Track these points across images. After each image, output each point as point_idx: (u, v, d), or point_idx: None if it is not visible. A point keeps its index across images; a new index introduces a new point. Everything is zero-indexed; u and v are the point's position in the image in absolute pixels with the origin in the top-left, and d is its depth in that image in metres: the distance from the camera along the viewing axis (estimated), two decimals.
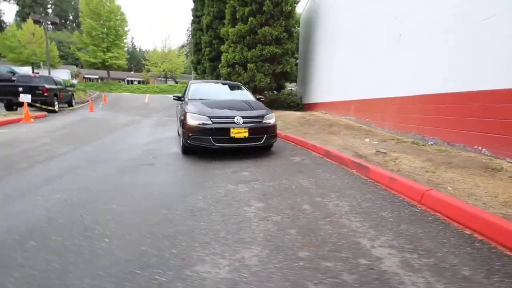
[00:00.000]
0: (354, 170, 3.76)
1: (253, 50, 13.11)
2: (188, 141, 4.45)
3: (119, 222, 2.21)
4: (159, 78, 45.69)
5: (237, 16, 13.72)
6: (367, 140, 6.04)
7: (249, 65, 13.01)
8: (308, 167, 4.01)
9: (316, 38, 12.74)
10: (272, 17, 12.85)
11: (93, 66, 31.64)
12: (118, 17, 28.96)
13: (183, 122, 4.59)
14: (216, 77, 17.21)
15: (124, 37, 31.69)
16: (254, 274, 1.60)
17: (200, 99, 5.38)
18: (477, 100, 4.10)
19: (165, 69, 41.26)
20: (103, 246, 1.86)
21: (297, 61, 16.47)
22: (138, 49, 71.14)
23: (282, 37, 13.14)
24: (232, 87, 6.29)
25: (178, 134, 6.95)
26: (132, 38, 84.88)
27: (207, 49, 16.67)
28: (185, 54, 46.85)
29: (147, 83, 44.68)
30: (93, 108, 13.82)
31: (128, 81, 48.37)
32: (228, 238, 1.98)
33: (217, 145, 4.32)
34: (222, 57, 14.34)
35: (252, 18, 12.80)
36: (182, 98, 5.49)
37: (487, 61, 3.99)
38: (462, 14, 4.46)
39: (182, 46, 51.61)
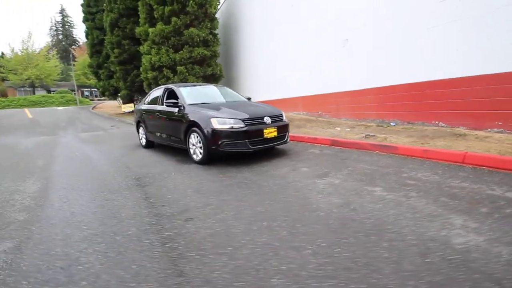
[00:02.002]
0: (377, 151, 4.48)
1: (181, 52, 12.45)
2: (220, 148, 4.09)
3: None
4: (22, 89, 35.62)
5: (156, 16, 12.66)
6: (338, 129, 7.02)
7: (179, 68, 12.29)
8: (341, 155, 4.44)
9: (244, 41, 13.25)
10: (197, 19, 12.53)
11: None
12: None
13: (204, 129, 4.15)
14: (131, 82, 15.20)
15: None
16: None
17: (202, 103, 4.93)
18: (428, 87, 5.59)
19: (31, 76, 32.79)
20: None
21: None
22: None
23: (209, 39, 13.03)
24: (219, 88, 5.97)
25: (145, 145, 6.08)
26: None
27: (116, 50, 14.44)
28: (58, 58, 38.50)
29: (4, 95, 34.06)
30: None
31: None
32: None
33: (252, 148, 4.16)
34: (143, 59, 12.89)
35: (175, 18, 12.12)
36: (179, 104, 4.86)
37: (428, 58, 5.51)
38: (404, 24, 5.93)
39: (49, 48, 42.12)
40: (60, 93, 33.74)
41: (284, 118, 4.81)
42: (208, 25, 12.91)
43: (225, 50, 14.54)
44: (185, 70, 12.45)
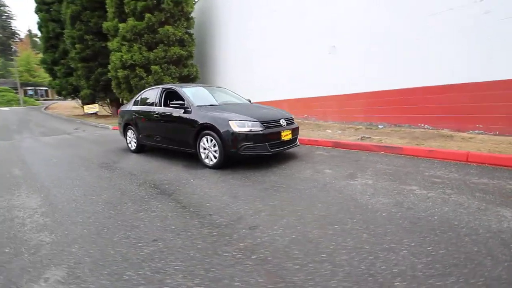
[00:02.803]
0: (382, 152, 4.75)
1: (156, 50, 11.84)
2: (240, 152, 3.95)
3: None
4: None
5: (127, 10, 11.88)
6: (329, 131, 7.29)
7: (154, 67, 11.67)
8: (351, 157, 4.60)
9: (220, 42, 13.04)
10: (173, 17, 12.05)
11: None
12: None
13: (222, 132, 3.98)
14: (95, 81, 13.87)
15: None
16: None
17: (210, 105, 4.72)
18: (413, 93, 6.11)
19: None
20: None
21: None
22: None
23: (185, 38, 12.60)
24: (220, 90, 5.76)
25: (134, 149, 5.67)
26: None
27: (78, 46, 13.06)
28: None
29: None
30: None
31: None
32: None
33: (271, 151, 4.10)
34: (112, 57, 11.93)
35: (149, 14, 11.51)
36: (185, 106, 4.58)
37: (419, 68, 6.05)
38: (389, 33, 6.42)
39: None
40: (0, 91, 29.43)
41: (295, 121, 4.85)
42: (184, 24, 12.48)
43: (199, 50, 14.15)
44: (160, 69, 11.86)
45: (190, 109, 4.55)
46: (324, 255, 1.82)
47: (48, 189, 3.48)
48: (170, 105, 4.70)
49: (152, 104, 5.39)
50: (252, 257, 1.84)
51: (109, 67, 12.11)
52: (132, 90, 12.25)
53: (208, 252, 1.91)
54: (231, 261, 1.80)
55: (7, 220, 2.56)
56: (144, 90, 5.96)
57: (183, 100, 4.73)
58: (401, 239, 1.96)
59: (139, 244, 2.05)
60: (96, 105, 13.53)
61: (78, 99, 16.28)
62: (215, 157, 4.20)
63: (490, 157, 3.69)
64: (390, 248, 1.85)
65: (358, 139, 5.89)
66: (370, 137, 5.89)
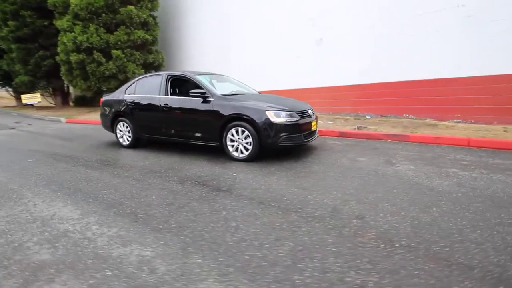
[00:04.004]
0: (390, 140, 5.15)
1: (116, 33, 10.58)
2: (278, 143, 3.82)
3: None
4: None
5: None
6: (320, 122, 7.56)
7: (115, 52, 10.45)
8: (368, 145, 4.86)
9: (189, 27, 12.20)
10: None
11: None
12: None
13: (258, 123, 3.79)
14: (35, 66, 11.62)
15: None
16: None
17: (232, 94, 4.45)
18: (398, 86, 6.74)
19: None
20: None
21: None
22: None
23: (149, 21, 11.55)
24: (228, 78, 5.41)
25: (129, 144, 5.12)
26: None
27: (11, 23, 10.67)
28: None
29: None
30: None
31: None
32: None
33: (305, 141, 4.08)
34: (62, 37, 10.19)
35: None
36: (206, 95, 4.20)
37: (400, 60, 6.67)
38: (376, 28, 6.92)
39: None
40: None
41: None
42: (149, 6, 11.39)
43: (164, 36, 13.01)
44: (123, 55, 10.63)
45: (210, 99, 4.20)
46: (456, 235, 1.92)
47: (65, 194, 2.86)
48: (190, 94, 4.26)
49: (155, 93, 4.81)
50: (396, 245, 1.83)
51: (59, 49, 10.35)
52: (88, 78, 10.75)
53: (349, 245, 1.84)
54: (383, 251, 1.76)
55: (56, 237, 2.02)
56: (140, 77, 5.27)
57: (199, 88, 4.34)
58: (499, 214, 2.19)
59: (267, 245, 1.85)
60: (38, 95, 11.36)
61: (8, 87, 13.48)
62: (246, 150, 3.99)
63: (488, 141, 4.34)
64: (501, 223, 2.06)
65: (355, 128, 6.26)
66: (366, 127, 6.32)
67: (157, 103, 4.70)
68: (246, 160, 4.00)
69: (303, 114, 4.15)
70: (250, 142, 3.93)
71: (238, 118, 3.98)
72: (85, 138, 6.47)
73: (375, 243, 1.86)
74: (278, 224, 2.16)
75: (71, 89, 14.58)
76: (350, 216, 2.25)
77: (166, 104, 4.58)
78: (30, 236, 2.02)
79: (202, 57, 11.64)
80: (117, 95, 5.41)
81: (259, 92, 5.42)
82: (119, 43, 10.47)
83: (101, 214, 2.38)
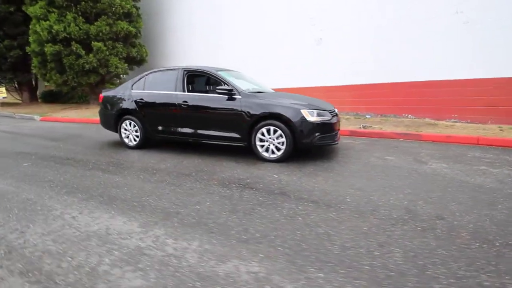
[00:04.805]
0: (402, 139, 5.32)
1: (97, 23, 9.77)
2: (314, 142, 3.74)
3: None
4: None
5: None
6: None
7: (96, 44, 9.65)
8: (385, 144, 4.96)
9: (176, 21, 11.62)
10: None
11: None
12: None
13: (294, 122, 3.65)
14: (0, 56, 10.24)
15: None
16: None
17: (257, 92, 4.25)
18: (400, 87, 7.02)
19: None
20: None
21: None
22: None
23: (133, 12, 10.85)
24: (243, 75, 5.15)
25: (136, 145, 4.71)
26: None
27: None
28: None
29: None
30: None
31: None
32: None
33: (336, 141, 4.04)
34: (35, 26, 9.15)
35: None
36: (233, 92, 3.96)
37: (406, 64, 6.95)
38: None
39: None
40: None
41: None
42: None
43: (147, 29, 12.24)
44: (105, 47, 9.83)
45: (237, 96, 3.99)
46: None
47: (140, 204, 2.50)
48: (217, 90, 3.99)
49: (170, 89, 4.45)
50: (496, 244, 1.83)
51: (30, 39, 9.26)
52: (65, 71, 9.80)
53: (454, 247, 1.80)
54: (491, 251, 1.75)
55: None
56: (149, 72, 4.84)
57: (222, 84, 4.10)
58: None
59: (376, 253, 1.75)
60: (3, 89, 9.98)
61: None
62: (277, 150, 3.85)
63: (496, 140, 4.66)
64: None
65: (360, 127, 6.40)
66: (371, 126, 6.48)
67: (173, 101, 4.35)
68: (278, 160, 3.85)
69: (332, 113, 4.10)
70: (283, 142, 3.79)
71: (269, 117, 3.82)
72: (77, 138, 5.83)
73: (476, 244, 1.85)
74: (366, 229, 2.06)
75: (45, 84, 13.15)
76: (430, 217, 2.23)
77: (185, 102, 4.25)
78: (98, 257, 1.70)
79: (190, 51, 11.13)
80: (121, 91, 4.92)
81: (274, 90, 5.29)
82: (100, 34, 9.64)
83: (164, 226, 2.10)
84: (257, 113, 3.85)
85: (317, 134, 3.75)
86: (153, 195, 2.72)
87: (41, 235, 1.97)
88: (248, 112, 3.89)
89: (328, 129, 3.86)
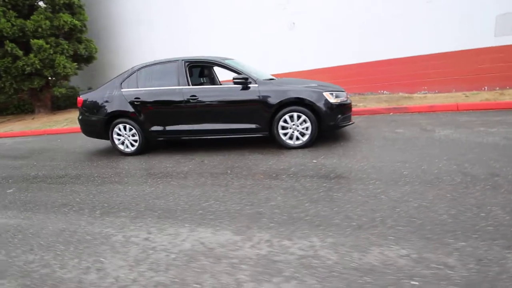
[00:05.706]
0: (392, 113, 5.71)
1: (34, 17, 8.35)
2: (338, 124, 3.78)
3: None
4: None
5: None
6: None
7: (36, 42, 8.26)
8: (382, 119, 5.24)
9: (126, 13, 10.48)
10: None
11: None
12: None
13: (318, 105, 3.61)
14: None
15: None
16: None
17: (270, 79, 4.08)
18: (371, 66, 7.48)
19: None
20: None
21: None
22: None
23: (75, 2, 9.51)
24: (245, 63, 4.86)
25: (134, 151, 4.25)
26: None
27: None
28: None
29: None
30: None
31: None
32: None
33: (352, 121, 4.13)
34: None
35: None
36: (249, 81, 3.73)
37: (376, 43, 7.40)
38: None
39: None
40: None
41: None
42: None
43: (93, 22, 10.78)
44: (48, 45, 8.46)
45: (253, 85, 3.78)
46: None
47: (226, 211, 2.16)
48: (234, 80, 3.71)
49: (172, 84, 4.01)
50: None
51: None
52: (0, 77, 8.16)
53: None
54: None
55: None
56: (140, 66, 4.27)
57: (237, 74, 3.85)
58: None
59: (483, 214, 1.84)
60: None
61: None
62: (302, 135, 3.79)
63: (471, 105, 5.31)
64: None
65: None
66: (356, 104, 6.82)
67: (179, 97, 3.93)
68: (304, 146, 3.80)
69: (348, 95, 4.19)
70: (308, 127, 3.74)
71: (292, 103, 3.72)
72: (47, 153, 4.94)
73: None
74: (449, 195, 2.15)
75: None
76: (487, 176, 2.43)
77: (194, 96, 3.88)
78: (230, 277, 1.45)
79: (147, 44, 10.15)
80: (107, 91, 4.27)
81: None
82: (39, 30, 8.19)
83: (261, 228, 1.90)
84: (278, 100, 3.71)
85: (339, 115, 3.79)
86: (210, 200, 2.45)
87: (129, 268, 1.61)
88: (269, 100, 3.73)
89: (347, 109, 3.93)
